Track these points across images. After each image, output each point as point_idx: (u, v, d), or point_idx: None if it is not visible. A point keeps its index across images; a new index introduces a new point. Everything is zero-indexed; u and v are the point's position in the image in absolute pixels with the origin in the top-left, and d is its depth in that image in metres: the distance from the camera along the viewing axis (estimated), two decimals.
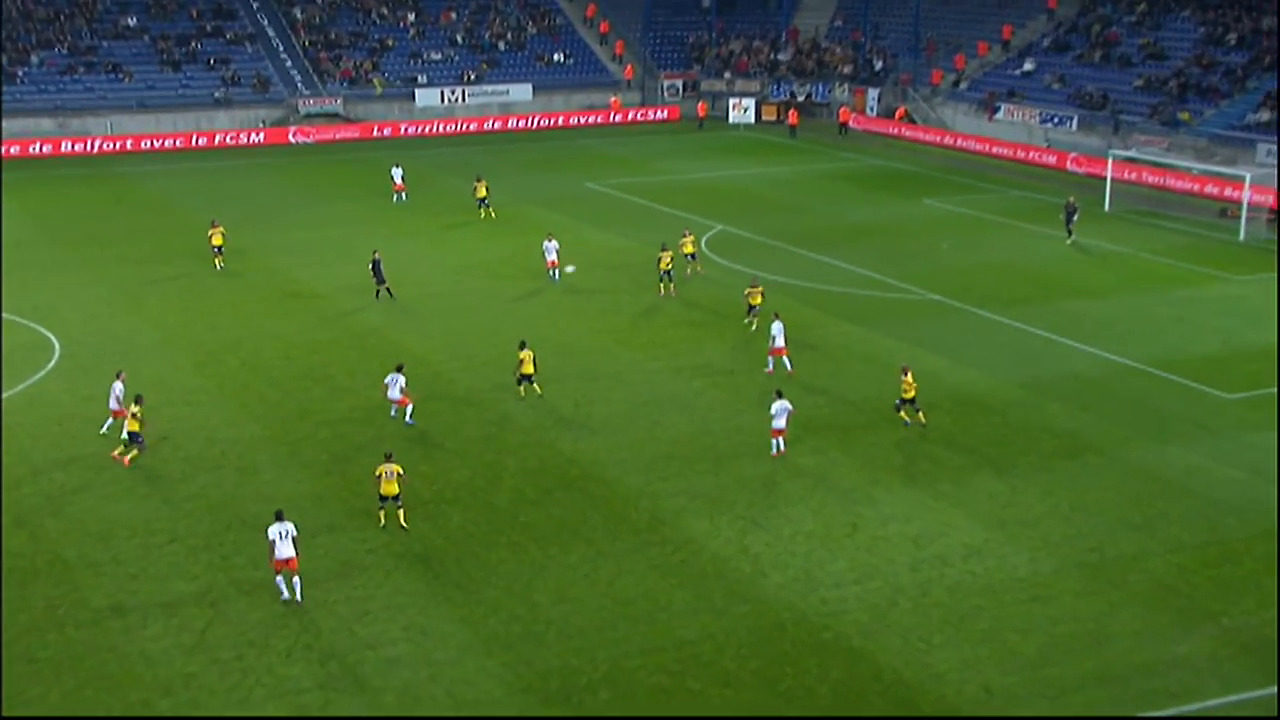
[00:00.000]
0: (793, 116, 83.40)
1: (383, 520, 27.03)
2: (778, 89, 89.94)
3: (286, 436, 31.83)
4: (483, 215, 55.91)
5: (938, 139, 79.69)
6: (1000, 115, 78.79)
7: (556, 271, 45.27)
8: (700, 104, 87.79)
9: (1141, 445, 31.72)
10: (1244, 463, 30.64)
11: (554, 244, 45.97)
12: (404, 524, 26.93)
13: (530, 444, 31.50)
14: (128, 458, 29.97)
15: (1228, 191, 59.96)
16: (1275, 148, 62.95)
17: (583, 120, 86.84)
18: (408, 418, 32.36)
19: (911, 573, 25.52)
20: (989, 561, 25.96)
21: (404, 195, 59.72)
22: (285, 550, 24.23)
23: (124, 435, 30.17)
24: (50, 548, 26.13)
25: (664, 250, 44.25)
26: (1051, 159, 71.75)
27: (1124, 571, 25.53)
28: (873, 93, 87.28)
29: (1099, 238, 53.76)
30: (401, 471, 27.06)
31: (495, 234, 53.54)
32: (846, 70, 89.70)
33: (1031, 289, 45.78)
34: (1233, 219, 56.19)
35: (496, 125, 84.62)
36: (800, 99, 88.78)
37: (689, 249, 46.42)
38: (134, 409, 30.00)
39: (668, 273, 43.69)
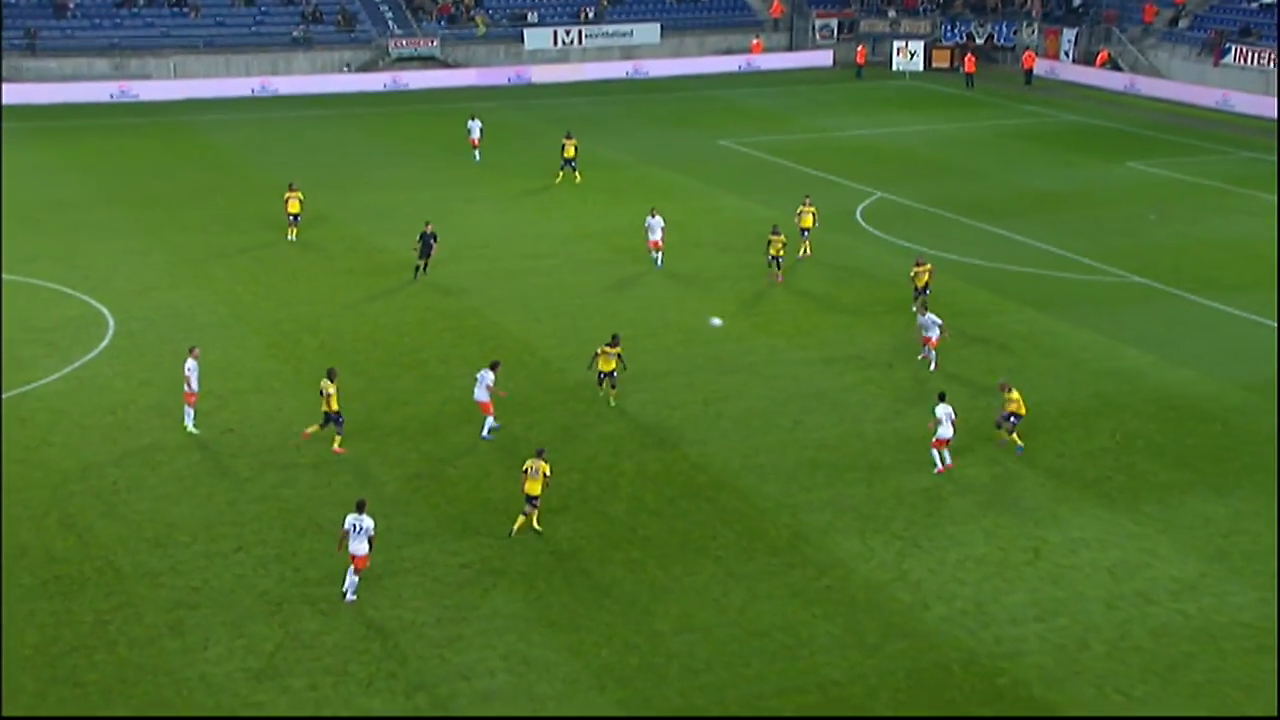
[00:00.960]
0: (969, 63, 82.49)
1: (516, 526, 27.60)
2: (952, 29, 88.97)
3: (371, 431, 32.43)
4: (559, 179, 56.08)
5: (1149, 89, 78.11)
6: (1229, 60, 76.93)
7: (659, 255, 44.82)
8: (859, 48, 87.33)
9: None
10: None
11: (659, 220, 45.01)
12: (537, 526, 27.64)
13: (652, 445, 31.63)
14: (336, 443, 31.11)
15: None
16: None
17: (719, 68, 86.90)
18: (485, 431, 31.95)
19: (1107, 610, 25.07)
20: (1205, 600, 25.40)
21: (479, 153, 60.21)
22: (357, 546, 24.81)
23: (321, 422, 31.09)
24: (101, 554, 26.95)
25: (775, 234, 43.16)
26: None
27: None
28: (1069, 34, 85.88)
29: None
30: (549, 471, 27.60)
31: (616, 200, 53.87)
32: (1037, 7, 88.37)
33: (1262, 271, 44.69)
34: None
35: (618, 72, 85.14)
36: (979, 41, 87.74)
37: (807, 222, 45.48)
38: (327, 386, 30.86)
39: (776, 259, 42.90)
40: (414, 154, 62.73)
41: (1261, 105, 72.00)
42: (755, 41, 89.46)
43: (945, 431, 30.36)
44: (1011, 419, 31.28)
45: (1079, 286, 43.36)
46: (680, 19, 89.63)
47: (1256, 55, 75.53)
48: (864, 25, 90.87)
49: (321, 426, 31.37)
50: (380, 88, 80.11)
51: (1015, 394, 31.35)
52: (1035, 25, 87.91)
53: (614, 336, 34.19)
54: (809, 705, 22.49)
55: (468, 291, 42.53)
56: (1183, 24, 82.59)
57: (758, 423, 33.03)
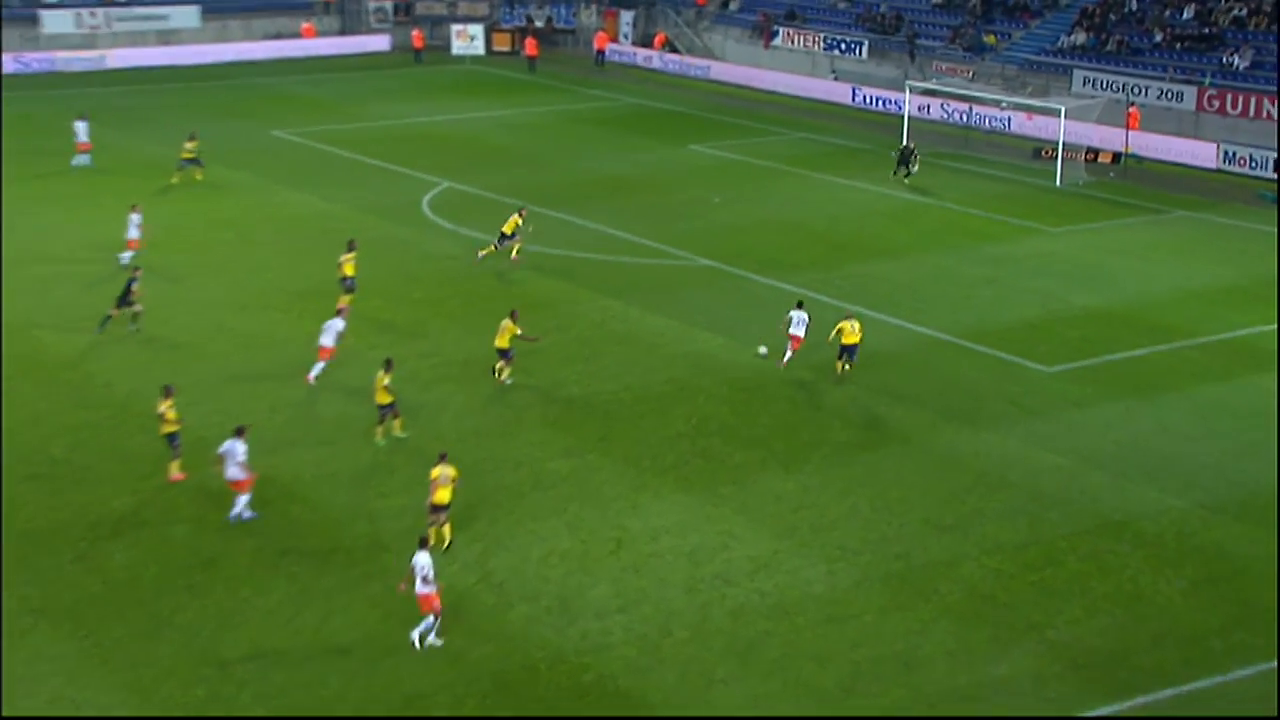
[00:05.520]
0: (530, 46, 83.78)
1: (444, 539, 27.09)
2: (511, 12, 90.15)
3: None
4: (176, 179, 53.69)
5: (706, 71, 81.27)
6: (778, 42, 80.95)
7: (129, 255, 42.46)
8: (415, 32, 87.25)
9: (951, 431, 33.15)
10: (1068, 447, 32.37)
11: (138, 216, 43.21)
12: (450, 539, 27.30)
13: (214, 461, 30.65)
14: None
15: (1039, 126, 63.19)
16: (1093, 75, 66.64)
17: (268, 53, 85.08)
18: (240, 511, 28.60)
19: (688, 595, 26.02)
20: (779, 577, 26.70)
21: (87, 157, 56.34)
22: None
23: None
24: None
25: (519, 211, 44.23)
26: (842, 93, 74.13)
27: (934, 581, 26.65)
28: (627, 16, 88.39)
29: (895, 186, 55.83)
30: (457, 475, 27.17)
31: (161, 202, 51.89)
32: None
33: (820, 250, 47.23)
34: (1048, 160, 59.23)
35: (155, 59, 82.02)
36: (539, 24, 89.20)
37: (509, 227, 44.03)
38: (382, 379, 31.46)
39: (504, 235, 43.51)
40: None
41: (809, 86, 76.02)
42: (306, 25, 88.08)
43: (798, 330, 35.64)
44: (847, 352, 35.27)
45: (649, 271, 44.76)
46: (222, 1, 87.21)
47: (803, 38, 79.80)
48: (420, 8, 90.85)
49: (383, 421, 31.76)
50: None
51: (847, 325, 35.31)
52: (595, 7, 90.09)
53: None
54: None
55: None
56: (733, 7, 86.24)
57: (328, 429, 32.61)
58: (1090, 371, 37.04)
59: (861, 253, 46.81)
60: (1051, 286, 43.77)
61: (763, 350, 37.01)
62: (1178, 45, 66.92)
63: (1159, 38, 67.64)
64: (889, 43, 76.67)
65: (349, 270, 40.08)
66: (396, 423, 32.07)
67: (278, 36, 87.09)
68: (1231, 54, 64.53)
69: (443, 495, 27.27)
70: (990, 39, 73.46)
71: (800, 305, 37.05)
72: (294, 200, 52.58)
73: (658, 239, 47.93)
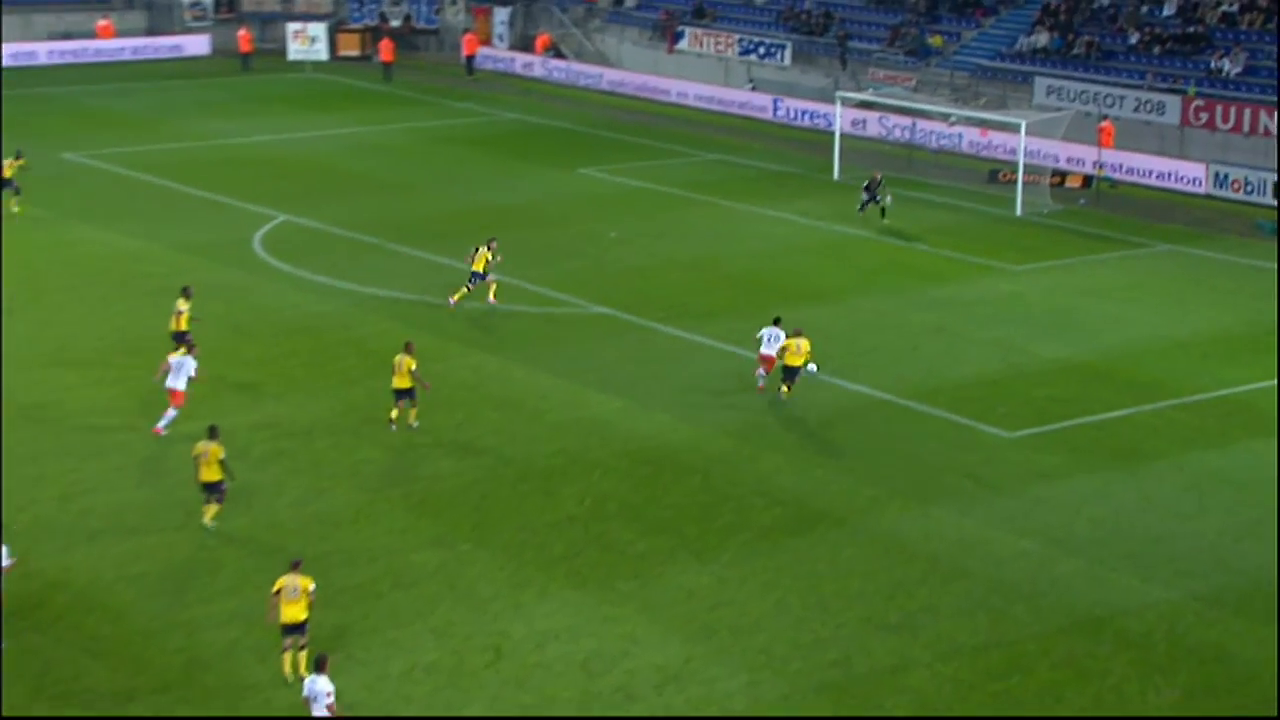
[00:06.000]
0: (386, 49, 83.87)
1: (291, 672, 26.28)
2: (360, 9, 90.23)
3: None
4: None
5: (597, 80, 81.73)
6: (684, 45, 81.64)
7: None
8: (242, 32, 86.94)
9: (896, 510, 33.38)
10: (1036, 528, 32.68)
11: None
12: (301, 672, 26.19)
13: None
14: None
15: (996, 144, 64.20)
16: (1059, 84, 67.78)
17: (56, 58, 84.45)
18: None
19: (581, 713, 25.90)
20: (691, 690, 26.64)
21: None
22: None
23: None
24: None
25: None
26: (762, 105, 74.86)
27: (879, 693, 26.71)
28: (501, 14, 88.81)
29: (827, 217, 56.43)
30: (313, 589, 26.59)
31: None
32: None
33: (738, 294, 47.61)
34: (1006, 184, 60.14)
35: None
36: (395, 23, 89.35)
37: (480, 265, 45.03)
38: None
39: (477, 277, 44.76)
40: None
41: (722, 98, 76.73)
42: (103, 23, 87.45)
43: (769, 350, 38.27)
44: (789, 374, 38.17)
45: (533, 322, 44.84)
46: None
47: (714, 40, 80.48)
48: (248, 3, 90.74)
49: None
50: None
51: (792, 343, 38.04)
52: (462, 3, 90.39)
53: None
54: None
55: None
56: (630, 3, 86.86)
57: (136, 519, 32.22)
58: (1060, 437, 37.50)
59: (788, 297, 47.06)
60: (1013, 336, 44.35)
61: (812, 368, 39.10)
62: (1157, 48, 68.41)
63: (1135, 39, 69.13)
64: (816, 45, 77.67)
65: (183, 324, 39.77)
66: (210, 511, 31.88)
67: (66, 37, 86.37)
68: (1221, 57, 66.02)
69: (294, 613, 26.64)
70: (936, 41, 74.65)
71: (777, 322, 39.25)
72: (93, 238, 52.11)
73: (543, 282, 48.02)
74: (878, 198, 55.46)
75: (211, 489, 31.61)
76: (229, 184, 59.21)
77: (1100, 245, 54.51)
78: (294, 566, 27.06)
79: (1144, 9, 70.24)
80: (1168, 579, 30.68)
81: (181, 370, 35.80)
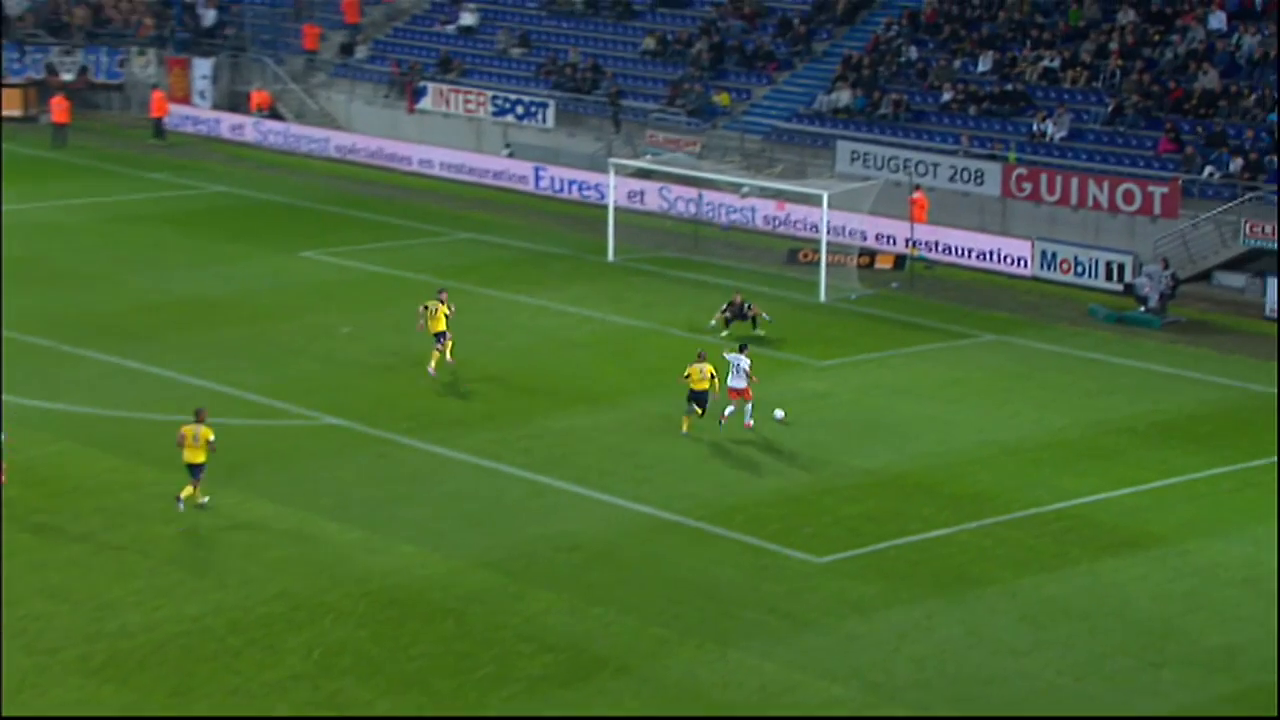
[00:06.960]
0: (59, 109, 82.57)
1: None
2: (21, 60, 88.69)
3: None
4: None
5: (323, 145, 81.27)
6: (426, 103, 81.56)
7: None
8: None
9: (688, 653, 32.98)
10: (850, 670, 32.53)
11: None
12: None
13: None
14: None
15: (795, 219, 64.83)
16: (864, 149, 68.62)
17: None
18: None
19: None
20: None
21: None
22: None
23: None
24: None
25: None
26: (522, 174, 74.89)
27: None
28: (203, 66, 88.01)
29: (601, 306, 56.46)
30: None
31: None
32: (148, 26, 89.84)
33: (499, 398, 47.65)
34: (808, 265, 60.64)
35: None
36: (67, 77, 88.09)
37: (440, 323, 48.16)
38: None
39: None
40: None
41: (474, 166, 76.61)
42: None
43: (737, 382, 43.25)
44: (696, 400, 43.40)
45: (251, 436, 44.04)
46: None
47: (462, 98, 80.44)
48: None
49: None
50: None
51: (696, 369, 43.20)
52: (152, 53, 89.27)
53: None
54: None
55: None
56: (361, 53, 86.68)
57: None
58: (875, 561, 37.56)
59: (557, 401, 47.12)
60: (820, 443, 44.55)
61: (780, 414, 43.89)
62: (973, 107, 69.77)
63: (948, 97, 70.42)
64: (584, 104, 78.06)
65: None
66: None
67: None
68: (1044, 119, 67.49)
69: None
70: (723, 99, 75.39)
71: (743, 349, 44.57)
72: None
73: (261, 390, 47.50)
74: (747, 315, 53.72)
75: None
76: None
77: (916, 336, 55.16)
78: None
79: (956, 63, 71.57)
80: None
81: None
